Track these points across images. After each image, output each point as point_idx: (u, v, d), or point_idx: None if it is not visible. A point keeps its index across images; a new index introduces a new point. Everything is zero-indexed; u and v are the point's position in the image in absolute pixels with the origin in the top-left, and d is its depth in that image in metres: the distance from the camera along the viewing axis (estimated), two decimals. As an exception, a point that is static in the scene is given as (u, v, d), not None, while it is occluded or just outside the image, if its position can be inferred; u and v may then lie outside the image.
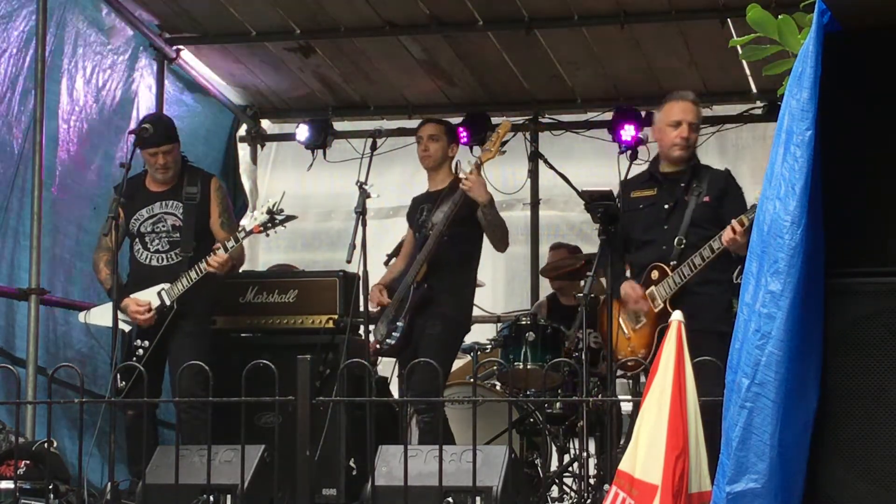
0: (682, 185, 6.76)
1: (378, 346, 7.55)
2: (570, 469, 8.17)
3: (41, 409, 7.06)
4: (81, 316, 7.62)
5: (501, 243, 7.60)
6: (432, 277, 7.41)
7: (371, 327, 7.53)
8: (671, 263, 6.62)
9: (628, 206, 6.90)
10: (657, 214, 6.81)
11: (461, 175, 7.38)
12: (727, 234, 6.34)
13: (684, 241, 6.61)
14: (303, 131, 10.52)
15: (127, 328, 7.31)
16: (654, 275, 6.68)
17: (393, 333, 7.46)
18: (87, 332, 7.96)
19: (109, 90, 9.01)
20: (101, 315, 7.35)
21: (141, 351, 7.25)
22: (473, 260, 7.63)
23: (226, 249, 7.19)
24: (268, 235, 7.33)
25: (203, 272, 7.25)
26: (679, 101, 6.86)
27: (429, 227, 7.50)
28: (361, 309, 7.25)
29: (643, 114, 9.98)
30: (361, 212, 7.08)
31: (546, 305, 9.24)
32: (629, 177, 7.02)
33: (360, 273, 7.08)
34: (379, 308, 7.58)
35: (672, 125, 6.81)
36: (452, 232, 7.39)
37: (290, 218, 7.30)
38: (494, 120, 10.32)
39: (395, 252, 8.18)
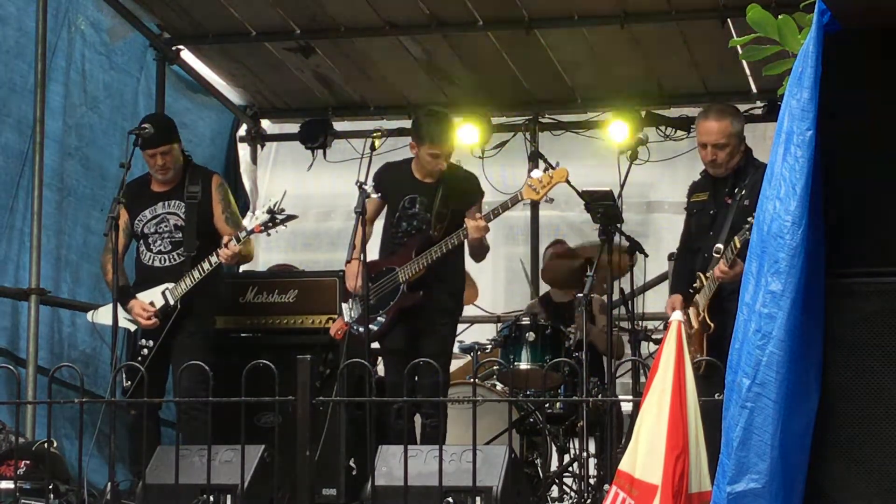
0: (726, 189, 6.67)
1: (347, 329, 7.37)
2: (570, 469, 8.17)
3: (42, 409, 7.05)
4: (89, 315, 7.63)
5: (480, 259, 7.64)
6: (429, 283, 7.34)
7: (347, 306, 7.38)
8: (707, 273, 6.56)
9: (688, 211, 6.89)
10: (703, 220, 6.75)
11: (469, 224, 7.23)
12: (716, 271, 6.37)
13: (721, 248, 6.45)
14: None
15: (132, 328, 7.32)
16: (697, 284, 6.64)
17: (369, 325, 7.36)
18: (91, 332, 7.97)
19: (112, 91, 9.03)
20: (107, 314, 7.35)
21: (146, 350, 7.26)
22: (462, 255, 7.57)
23: (238, 240, 7.20)
24: (269, 235, 7.32)
25: (206, 271, 7.26)
26: (701, 121, 6.75)
27: (433, 226, 7.39)
28: (361, 309, 7.21)
29: (643, 114, 9.97)
30: (361, 212, 7.05)
31: (538, 304, 9.20)
32: (696, 179, 6.98)
33: (360, 273, 7.06)
34: (353, 290, 7.40)
35: (701, 146, 6.74)
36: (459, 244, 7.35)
37: (290, 217, 7.28)
38: (494, 120, 10.32)
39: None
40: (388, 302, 7.34)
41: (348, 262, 7.07)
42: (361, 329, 7.25)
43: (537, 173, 7.27)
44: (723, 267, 6.33)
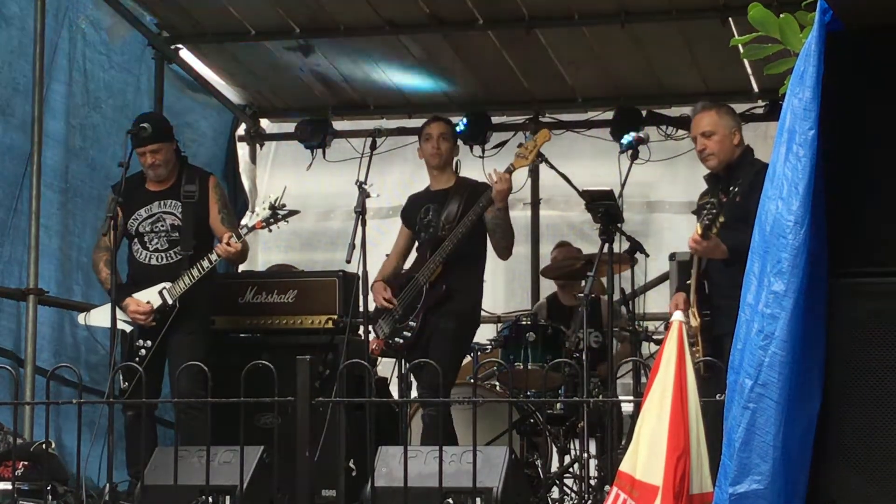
0: (722, 187, 6.68)
1: (383, 344, 7.50)
2: (570, 470, 8.15)
3: (41, 410, 7.04)
4: (81, 317, 7.61)
5: (507, 250, 7.63)
6: (447, 277, 7.40)
7: (370, 326, 7.51)
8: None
9: (696, 213, 6.90)
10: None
11: (493, 175, 7.34)
12: (689, 241, 6.41)
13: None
14: None
15: (129, 328, 7.30)
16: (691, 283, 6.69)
17: (404, 332, 7.43)
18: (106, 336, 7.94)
19: (114, 90, 9.03)
20: (101, 316, 7.34)
21: (143, 351, 7.24)
22: (483, 258, 7.64)
23: (239, 237, 7.19)
24: (270, 231, 7.33)
25: (205, 270, 7.25)
26: (694, 115, 6.84)
27: (441, 227, 7.47)
28: (361, 309, 7.22)
29: (644, 113, 9.96)
30: (361, 211, 7.07)
31: (546, 307, 9.22)
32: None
33: (360, 273, 7.06)
34: (382, 305, 7.55)
35: (693, 140, 6.82)
36: (467, 232, 7.38)
37: (292, 213, 7.30)
38: (494, 120, 10.32)
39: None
40: (415, 307, 7.40)
41: (348, 261, 7.09)
42: (399, 339, 7.42)
43: (524, 142, 7.59)
44: (695, 236, 6.35)
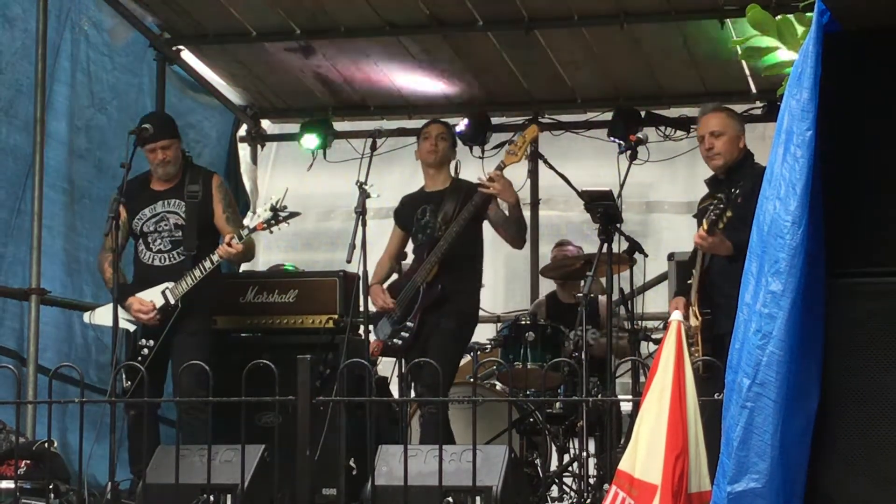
0: (723, 189, 6.73)
1: (382, 345, 7.53)
2: (569, 469, 8.17)
3: (43, 409, 7.05)
4: (86, 316, 7.63)
5: (521, 240, 7.67)
6: (444, 277, 7.42)
7: (370, 326, 7.53)
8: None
9: (696, 217, 6.93)
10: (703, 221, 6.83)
11: (484, 178, 7.38)
12: (695, 237, 6.43)
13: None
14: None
15: (132, 328, 7.31)
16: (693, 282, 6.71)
17: (402, 333, 7.45)
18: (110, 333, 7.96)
19: (118, 92, 9.04)
20: (105, 315, 7.35)
21: (146, 351, 7.25)
22: (480, 258, 7.66)
23: (240, 238, 7.20)
24: (271, 232, 7.34)
25: (207, 270, 7.26)
26: (700, 116, 6.89)
27: (437, 228, 7.50)
28: (361, 309, 7.24)
29: (643, 114, 9.98)
30: (361, 212, 7.09)
31: (545, 304, 9.24)
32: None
33: (360, 273, 7.09)
34: (382, 308, 7.58)
35: (700, 140, 6.84)
36: (462, 231, 7.41)
37: (293, 215, 7.31)
38: (494, 120, 10.33)
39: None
40: (412, 308, 7.42)
41: (348, 261, 7.11)
42: (398, 341, 7.43)
43: (513, 140, 7.60)
44: (701, 232, 6.38)
